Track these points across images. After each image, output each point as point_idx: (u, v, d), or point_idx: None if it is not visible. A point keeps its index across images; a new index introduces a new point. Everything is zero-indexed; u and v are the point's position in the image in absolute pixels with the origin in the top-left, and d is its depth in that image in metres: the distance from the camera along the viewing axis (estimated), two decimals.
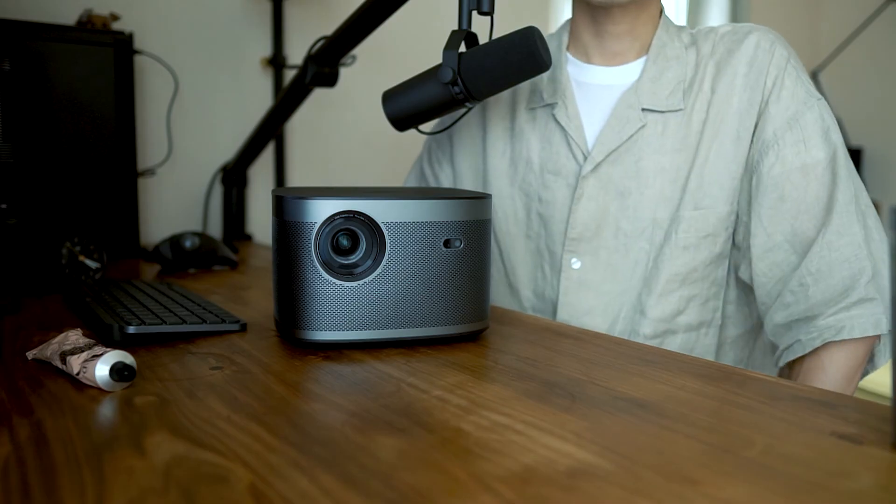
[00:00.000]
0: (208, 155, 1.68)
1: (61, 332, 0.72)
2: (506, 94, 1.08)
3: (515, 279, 1.06)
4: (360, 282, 0.72)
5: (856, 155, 2.77)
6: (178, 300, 0.90)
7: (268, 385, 0.63)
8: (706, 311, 0.99)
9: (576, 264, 1.00)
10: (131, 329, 0.75)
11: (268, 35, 1.74)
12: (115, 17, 1.43)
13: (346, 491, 0.44)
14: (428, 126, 1.17)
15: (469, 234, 0.76)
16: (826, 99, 0.98)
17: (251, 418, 0.55)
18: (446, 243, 0.74)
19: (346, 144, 1.89)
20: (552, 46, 1.06)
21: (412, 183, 1.22)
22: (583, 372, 0.67)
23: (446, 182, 1.16)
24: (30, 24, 1.30)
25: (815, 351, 0.91)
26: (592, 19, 1.01)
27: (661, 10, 1.03)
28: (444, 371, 0.67)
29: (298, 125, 1.80)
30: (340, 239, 0.73)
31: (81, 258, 1.09)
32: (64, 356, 0.64)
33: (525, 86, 1.07)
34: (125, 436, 0.52)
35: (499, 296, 1.09)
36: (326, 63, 1.24)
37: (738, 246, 0.98)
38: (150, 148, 1.59)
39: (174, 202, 1.65)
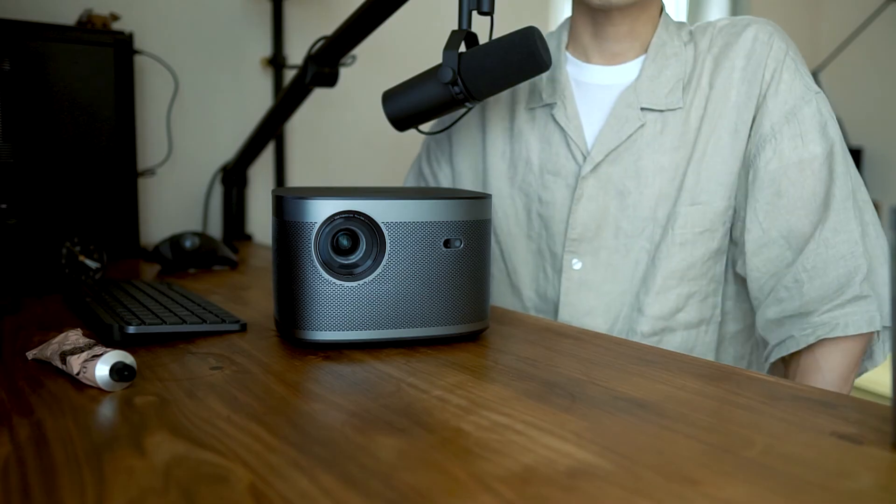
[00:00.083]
0: (208, 155, 1.68)
1: (61, 332, 0.72)
2: (505, 93, 1.08)
3: (517, 279, 1.06)
4: (360, 282, 0.72)
5: (856, 155, 2.77)
6: (178, 300, 0.90)
7: (268, 385, 0.63)
8: (705, 308, 0.99)
9: (577, 265, 1.00)
10: (131, 329, 0.75)
11: (268, 35, 1.74)
12: (115, 17, 1.43)
13: (346, 491, 0.44)
14: (428, 126, 1.17)
15: (469, 234, 0.76)
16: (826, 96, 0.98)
17: (251, 418, 0.55)
18: (446, 243, 0.74)
19: (346, 144, 1.89)
20: (551, 45, 1.06)
21: (411, 182, 1.22)
22: (583, 372, 0.67)
23: (445, 181, 1.16)
24: (30, 24, 1.30)
25: (810, 349, 0.91)
26: (592, 21, 1.01)
27: (662, 9, 1.03)
28: (444, 371, 0.67)
29: (298, 125, 1.80)
30: (340, 239, 0.73)
31: (81, 258, 1.09)
32: (64, 356, 0.64)
33: (524, 86, 1.07)
34: (125, 436, 0.52)
35: (502, 296, 1.09)
36: (326, 63, 1.24)
37: (735, 241, 0.98)
38: (150, 148, 1.59)
39: (174, 202, 1.65)
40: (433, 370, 0.67)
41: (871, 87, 2.88)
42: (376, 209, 0.72)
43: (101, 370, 0.60)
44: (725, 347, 1.02)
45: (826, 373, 0.90)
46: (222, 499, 0.42)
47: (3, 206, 1.23)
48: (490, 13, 0.94)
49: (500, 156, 1.08)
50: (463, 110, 1.02)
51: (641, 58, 1.00)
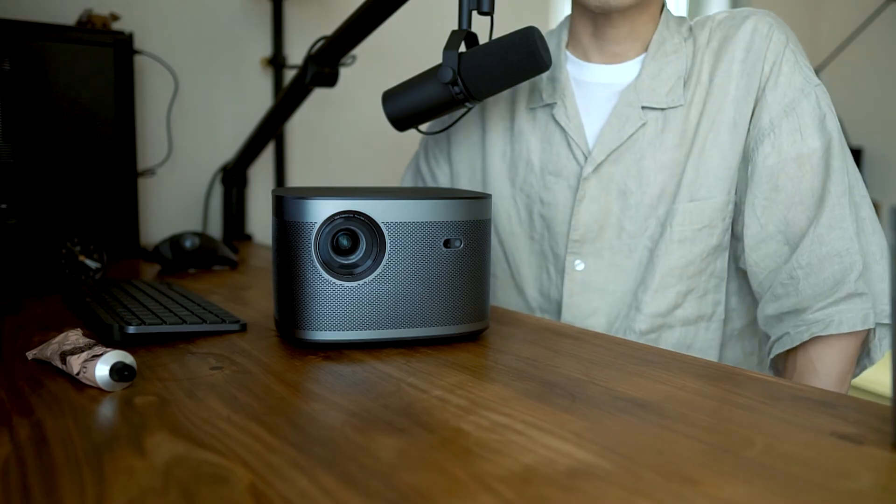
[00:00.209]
0: (208, 155, 1.68)
1: (61, 332, 0.72)
2: (505, 93, 1.08)
3: (521, 279, 1.06)
4: (360, 282, 0.72)
5: (856, 155, 2.77)
6: (178, 300, 0.90)
7: (268, 385, 0.63)
8: (705, 304, 0.98)
9: (579, 266, 1.00)
10: (131, 329, 0.75)
11: (268, 35, 1.74)
12: (115, 17, 1.43)
13: (346, 491, 0.44)
14: (427, 126, 1.17)
15: (469, 234, 0.76)
16: None
17: (251, 418, 0.55)
18: (446, 243, 0.74)
19: (346, 144, 1.89)
20: (551, 44, 1.05)
21: (408, 180, 1.22)
22: (583, 372, 0.67)
23: (443, 179, 1.16)
24: (30, 24, 1.30)
25: (805, 350, 0.91)
26: (592, 22, 1.00)
27: (663, 6, 1.02)
28: (444, 371, 0.67)
29: (298, 125, 1.80)
30: (340, 239, 0.73)
31: (81, 258, 1.09)
32: (64, 356, 0.64)
33: (524, 85, 1.06)
34: (125, 436, 0.52)
35: (506, 296, 1.08)
36: (326, 63, 1.24)
37: (736, 236, 0.97)
38: (150, 148, 1.59)
39: (174, 202, 1.65)
40: (433, 370, 0.67)
41: (871, 87, 2.88)
42: (376, 209, 0.72)
43: (101, 370, 0.60)
44: (733, 344, 1.02)
45: (822, 375, 0.89)
46: (222, 499, 0.42)
47: (3, 206, 1.23)
48: (490, 13, 0.94)
49: (500, 156, 1.07)
50: (463, 110, 1.02)
51: (642, 56, 1.00)
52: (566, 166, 1.01)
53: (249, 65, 1.73)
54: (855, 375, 0.94)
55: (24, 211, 1.27)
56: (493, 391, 0.61)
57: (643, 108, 0.97)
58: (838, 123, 0.94)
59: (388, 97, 1.00)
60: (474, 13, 0.94)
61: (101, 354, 0.61)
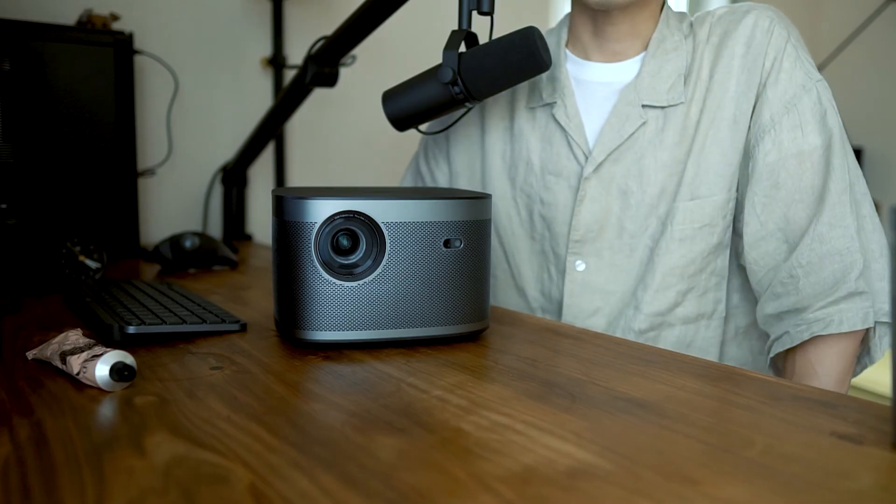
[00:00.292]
0: (208, 155, 1.68)
1: (61, 332, 0.72)
2: (504, 93, 1.07)
3: (522, 280, 1.06)
4: (360, 282, 0.72)
5: (856, 155, 2.76)
6: (178, 300, 0.90)
7: (268, 385, 0.63)
8: (705, 302, 0.97)
9: (580, 266, 0.99)
10: (131, 329, 0.75)
11: (268, 35, 1.74)
12: (115, 17, 1.43)
13: (346, 491, 0.44)
14: (428, 126, 1.17)
15: (469, 234, 0.76)
16: None
17: (251, 418, 0.55)
18: (446, 243, 0.74)
19: (346, 144, 1.89)
20: (550, 43, 1.05)
21: (408, 181, 1.22)
22: (583, 372, 0.67)
23: (442, 180, 1.15)
24: (30, 24, 1.30)
25: (804, 351, 0.90)
26: (592, 20, 1.00)
27: (664, 3, 1.01)
28: (444, 371, 0.67)
29: (298, 125, 1.80)
30: (340, 239, 0.73)
31: (81, 258, 1.09)
32: (64, 356, 0.64)
33: (524, 84, 1.06)
34: (125, 436, 0.52)
35: (506, 297, 1.08)
36: (326, 63, 1.24)
37: (738, 233, 0.96)
38: (150, 148, 1.59)
39: (174, 202, 1.65)
40: (433, 370, 0.67)
41: (871, 87, 2.87)
42: (376, 209, 0.72)
43: (101, 370, 0.60)
44: (739, 343, 1.01)
45: (822, 376, 0.89)
46: (222, 499, 0.42)
47: (3, 206, 1.23)
48: (490, 13, 0.94)
49: (500, 156, 1.07)
50: (463, 110, 1.02)
51: (642, 54, 0.99)
52: (566, 166, 1.00)
53: (249, 65, 1.73)
54: (856, 374, 0.94)
55: (24, 211, 1.27)
56: (493, 391, 0.61)
57: (643, 106, 0.96)
58: (840, 119, 0.93)
59: (388, 97, 1.00)
60: (474, 13, 0.94)
61: (101, 354, 0.61)
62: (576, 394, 0.61)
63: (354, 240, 0.73)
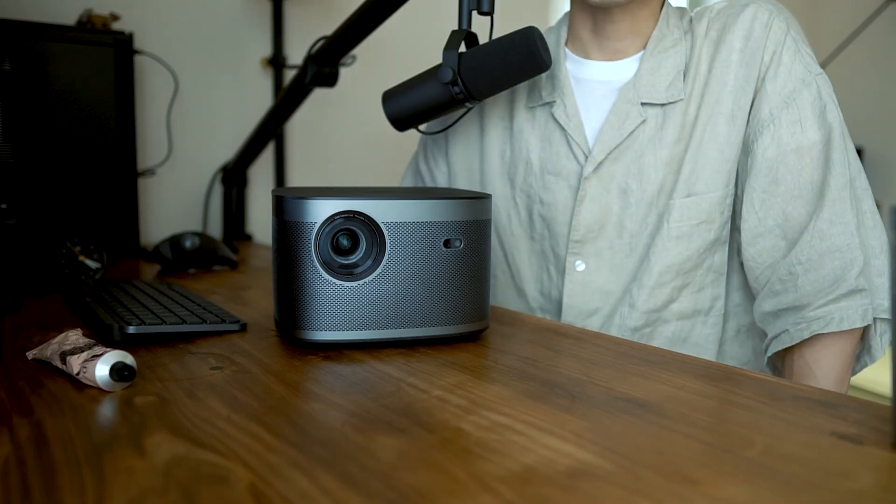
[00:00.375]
0: (208, 155, 1.68)
1: (61, 332, 0.72)
2: (504, 92, 1.07)
3: (521, 281, 1.05)
4: (360, 282, 0.72)
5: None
6: (178, 300, 0.90)
7: (268, 385, 0.63)
8: (702, 299, 0.96)
9: (580, 266, 0.99)
10: (131, 329, 0.75)
11: (268, 35, 1.74)
12: (115, 17, 1.43)
13: (346, 491, 0.44)
14: (428, 126, 1.17)
15: (469, 234, 0.76)
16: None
17: (251, 418, 0.55)
18: (446, 243, 0.74)
19: (346, 144, 1.89)
20: (550, 42, 1.04)
21: (408, 180, 1.22)
22: (583, 372, 0.67)
23: (441, 179, 1.15)
24: (30, 24, 1.30)
25: (801, 353, 0.89)
26: (592, 18, 0.99)
27: (664, 1, 1.00)
28: (444, 371, 0.67)
29: (298, 125, 1.80)
30: (340, 239, 0.73)
31: (81, 258, 1.09)
32: (64, 356, 0.64)
33: (523, 84, 1.06)
34: (125, 436, 0.52)
35: (506, 298, 1.08)
36: (326, 63, 1.24)
37: (737, 229, 0.95)
38: (150, 148, 1.59)
39: (174, 202, 1.65)
40: (433, 370, 0.67)
41: (871, 87, 2.87)
42: (376, 209, 0.72)
43: (101, 370, 0.60)
44: (741, 342, 1.00)
45: (820, 378, 0.88)
46: (222, 499, 0.42)
47: (3, 206, 1.23)
48: (490, 13, 0.94)
49: (499, 156, 1.07)
50: (463, 110, 1.02)
51: (642, 52, 0.99)
52: (566, 166, 1.00)
53: (249, 65, 1.73)
54: (855, 373, 0.93)
55: (24, 211, 1.27)
56: (493, 391, 0.61)
57: (642, 104, 0.96)
58: (840, 114, 0.92)
59: (388, 97, 1.00)
60: (474, 13, 0.94)
61: (101, 354, 0.61)
62: (576, 394, 0.61)
63: (354, 240, 0.73)
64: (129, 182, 1.40)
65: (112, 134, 1.37)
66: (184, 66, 1.62)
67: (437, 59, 0.95)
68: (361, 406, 0.58)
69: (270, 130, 1.44)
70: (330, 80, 1.25)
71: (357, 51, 1.30)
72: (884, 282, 0.89)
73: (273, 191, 0.77)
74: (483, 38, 0.98)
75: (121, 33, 1.38)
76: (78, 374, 0.62)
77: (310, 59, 1.23)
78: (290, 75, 1.74)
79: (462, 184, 1.12)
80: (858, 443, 0.51)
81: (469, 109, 1.02)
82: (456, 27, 0.94)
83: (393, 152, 1.84)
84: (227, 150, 1.69)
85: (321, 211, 0.72)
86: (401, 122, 1.00)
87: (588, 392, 0.61)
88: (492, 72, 0.92)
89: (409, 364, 0.69)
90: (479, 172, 1.09)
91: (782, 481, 0.45)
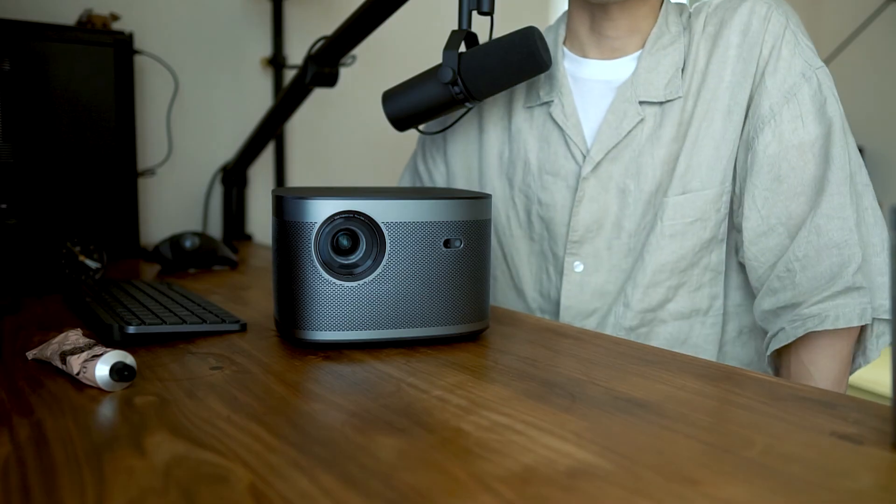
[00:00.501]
0: (208, 155, 1.68)
1: (61, 332, 0.72)
2: (502, 92, 1.07)
3: (520, 281, 1.05)
4: (360, 282, 0.72)
5: None
6: (178, 300, 0.90)
7: (268, 385, 0.63)
8: (699, 298, 0.95)
9: (578, 267, 0.98)
10: (131, 329, 0.75)
11: (268, 35, 1.74)
12: (115, 17, 1.43)
13: (346, 491, 0.44)
14: (428, 126, 1.17)
15: (469, 234, 0.76)
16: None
17: (251, 418, 0.55)
18: (446, 243, 0.74)
19: (346, 144, 1.89)
20: (548, 41, 1.03)
21: (407, 180, 1.21)
22: (583, 372, 0.67)
23: (440, 179, 1.15)
24: (30, 24, 1.30)
25: (797, 352, 0.89)
26: (590, 16, 0.99)
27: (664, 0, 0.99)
28: (444, 371, 0.67)
29: (298, 125, 1.80)
30: (340, 239, 0.73)
31: (81, 258, 1.09)
32: (64, 356, 0.64)
33: (522, 83, 1.06)
34: (125, 436, 0.52)
35: (505, 298, 1.07)
36: (326, 63, 1.24)
37: (737, 228, 0.94)
38: (150, 148, 1.59)
39: (174, 202, 1.65)
40: (433, 370, 0.67)
41: (871, 87, 2.87)
42: (376, 209, 0.72)
43: (101, 370, 0.60)
44: (744, 342, 0.99)
45: (818, 380, 0.87)
46: (222, 499, 0.42)
47: (3, 206, 1.23)
48: (490, 13, 0.94)
49: (498, 156, 1.07)
50: (463, 110, 1.02)
51: (640, 51, 0.98)
52: (564, 166, 1.00)
53: (249, 65, 1.73)
54: (850, 373, 0.92)
55: (24, 211, 1.27)
56: (493, 391, 0.61)
57: (640, 102, 0.95)
58: (840, 108, 0.90)
59: (388, 97, 1.00)
60: (474, 13, 0.94)
61: (101, 354, 0.61)
62: (576, 394, 0.61)
63: (354, 240, 0.73)
64: (129, 182, 1.40)
65: (112, 134, 1.37)
66: (184, 66, 1.62)
67: (437, 59, 0.95)
68: (361, 406, 0.58)
69: (270, 130, 1.44)
70: (330, 80, 1.25)
71: (357, 51, 1.30)
72: (884, 281, 0.87)
73: (273, 191, 0.77)
74: (483, 38, 0.98)
75: (121, 33, 1.38)
76: (78, 374, 0.62)
77: (310, 59, 1.24)
78: (290, 75, 1.74)
79: (461, 184, 1.11)
80: (858, 443, 0.51)
81: (469, 109, 1.02)
82: (456, 27, 0.94)
83: (393, 152, 1.84)
84: (227, 150, 1.69)
85: (321, 211, 0.72)
86: (401, 122, 1.00)
87: (588, 392, 0.61)
88: (492, 72, 0.92)
89: (409, 364, 0.69)
90: (478, 172, 1.09)
91: (782, 481, 0.45)
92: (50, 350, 0.67)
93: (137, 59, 1.49)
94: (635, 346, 0.77)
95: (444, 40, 0.93)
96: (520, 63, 0.91)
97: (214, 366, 0.69)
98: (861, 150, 2.79)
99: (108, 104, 1.36)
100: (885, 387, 1.82)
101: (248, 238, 1.69)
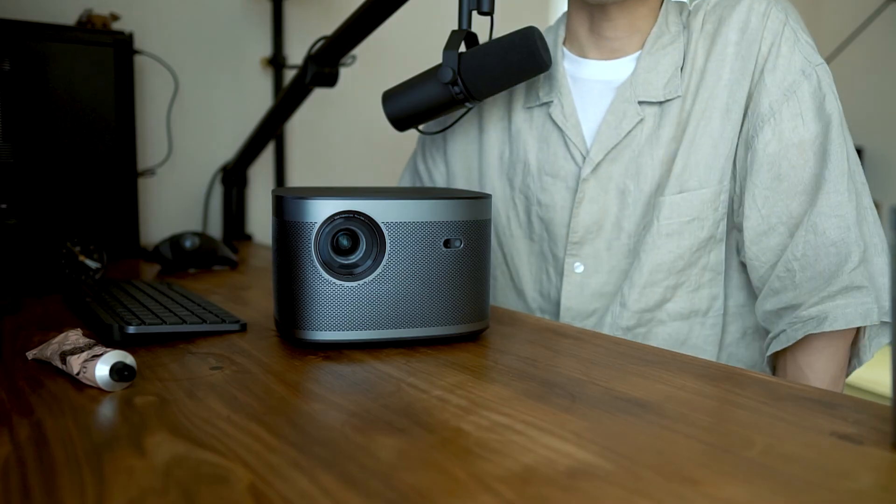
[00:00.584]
0: (208, 155, 1.68)
1: (61, 332, 0.72)
2: (502, 92, 1.07)
3: (520, 281, 1.05)
4: (360, 282, 0.72)
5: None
6: (178, 300, 0.90)
7: (268, 385, 0.63)
8: (698, 299, 0.95)
9: (578, 268, 0.98)
10: (131, 329, 0.75)
11: (268, 35, 1.74)
12: (115, 17, 1.43)
13: (346, 491, 0.44)
14: (428, 126, 1.17)
15: (469, 234, 0.76)
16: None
17: (251, 418, 0.55)
18: (446, 243, 0.74)
19: (346, 144, 1.89)
20: (548, 41, 1.03)
21: (407, 179, 1.21)
22: (583, 372, 0.67)
23: (440, 179, 1.14)
24: (30, 24, 1.30)
25: (794, 354, 0.88)
26: (589, 16, 0.99)
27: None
28: (444, 371, 0.67)
29: (298, 125, 1.80)
30: (340, 239, 0.73)
31: (81, 258, 1.09)
32: (64, 356, 0.64)
33: (521, 84, 1.05)
34: (125, 436, 0.52)
35: (505, 298, 1.07)
36: (326, 63, 1.24)
37: (738, 227, 0.93)
38: (150, 148, 1.59)
39: (174, 202, 1.65)
40: (433, 370, 0.67)
41: (871, 87, 2.87)
42: (376, 209, 0.72)
43: (101, 370, 0.60)
44: (748, 343, 0.98)
45: (814, 382, 0.87)
46: (222, 499, 0.42)
47: (3, 206, 1.23)
48: (490, 13, 0.94)
49: (498, 157, 1.07)
50: (463, 110, 1.01)
51: (640, 51, 0.97)
52: (563, 167, 0.99)
53: (249, 65, 1.73)
54: (846, 375, 0.91)
55: (24, 211, 1.27)
56: (493, 391, 0.61)
57: (640, 103, 0.95)
58: (839, 106, 0.89)
59: (388, 97, 1.00)
60: (474, 13, 0.94)
61: (101, 354, 0.61)
62: (576, 394, 0.61)
63: (354, 240, 0.73)
64: (129, 182, 1.40)
65: (112, 134, 1.37)
66: (184, 66, 1.62)
67: (437, 59, 0.95)
68: (361, 406, 0.58)
69: (270, 130, 1.44)
70: (330, 80, 1.25)
71: (357, 51, 1.30)
72: (885, 282, 0.86)
73: (273, 191, 0.77)
74: (483, 38, 0.98)
75: (121, 33, 1.38)
76: (78, 374, 0.62)
77: (310, 59, 1.24)
78: (290, 75, 1.74)
79: (460, 184, 1.11)
80: (858, 443, 0.51)
81: (469, 109, 1.02)
82: (456, 27, 0.94)
83: (393, 152, 1.84)
84: (227, 150, 1.69)
85: (321, 211, 0.72)
86: (401, 122, 1.00)
87: (588, 392, 0.61)
88: (492, 72, 0.92)
89: (409, 364, 0.69)
90: (478, 172, 1.09)
91: (782, 481, 0.45)
92: (50, 350, 0.67)
93: (137, 59, 1.49)
94: (635, 346, 0.77)
95: (444, 40, 0.93)
96: (520, 63, 0.91)
97: (214, 366, 0.69)
98: (861, 151, 2.80)
99: (108, 104, 1.36)
100: (884, 387, 1.82)
101: (248, 238, 1.69)
